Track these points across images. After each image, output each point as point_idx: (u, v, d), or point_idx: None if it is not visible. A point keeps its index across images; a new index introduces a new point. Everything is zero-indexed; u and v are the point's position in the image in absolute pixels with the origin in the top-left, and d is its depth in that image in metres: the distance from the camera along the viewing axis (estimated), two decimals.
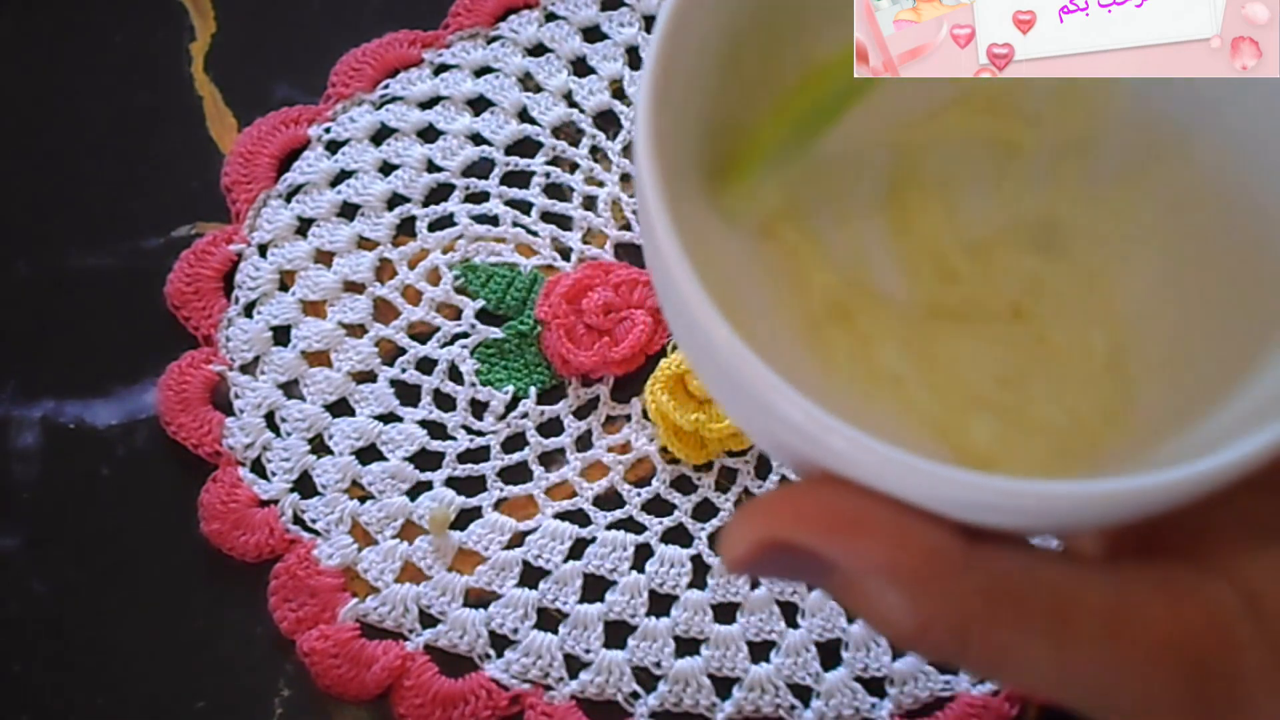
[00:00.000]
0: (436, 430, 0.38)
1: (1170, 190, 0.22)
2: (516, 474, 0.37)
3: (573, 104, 0.42)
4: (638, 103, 0.18)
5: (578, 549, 0.36)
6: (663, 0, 0.19)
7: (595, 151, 0.41)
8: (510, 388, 0.38)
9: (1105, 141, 0.22)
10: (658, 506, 0.37)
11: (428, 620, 0.36)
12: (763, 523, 0.17)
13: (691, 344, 0.17)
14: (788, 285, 0.21)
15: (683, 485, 0.37)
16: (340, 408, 0.38)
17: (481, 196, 0.41)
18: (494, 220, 0.40)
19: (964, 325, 0.22)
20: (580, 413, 0.38)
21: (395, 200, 0.41)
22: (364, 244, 0.40)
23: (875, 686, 0.35)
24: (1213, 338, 0.20)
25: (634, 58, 0.43)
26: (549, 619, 0.36)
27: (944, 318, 0.22)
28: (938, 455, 0.18)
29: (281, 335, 0.39)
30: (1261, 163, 0.20)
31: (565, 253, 0.40)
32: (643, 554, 0.36)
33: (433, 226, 0.40)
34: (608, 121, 0.42)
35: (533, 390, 0.38)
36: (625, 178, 0.41)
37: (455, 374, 0.38)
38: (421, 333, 0.39)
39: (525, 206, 0.40)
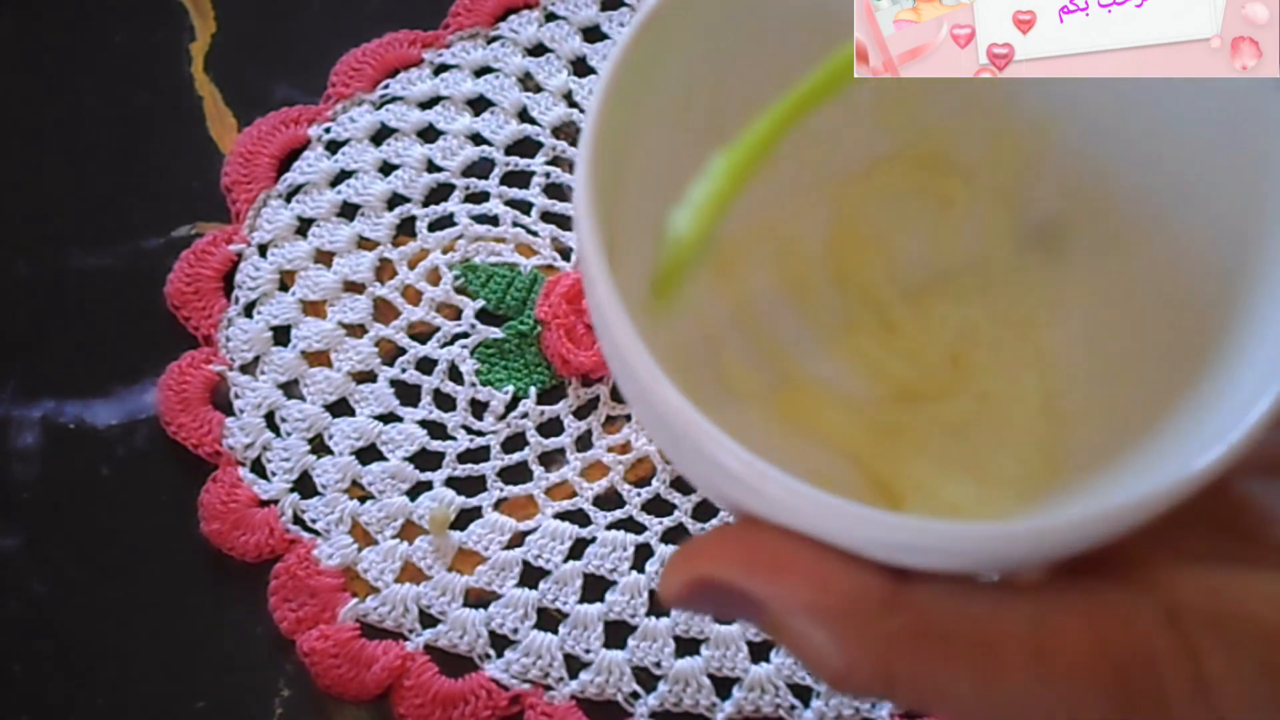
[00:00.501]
0: (436, 430, 0.38)
1: (1096, 238, 0.23)
2: (516, 474, 0.37)
3: (573, 104, 0.42)
4: (578, 180, 0.18)
5: (578, 549, 0.36)
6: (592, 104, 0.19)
7: None
8: (510, 388, 0.38)
9: (1035, 193, 0.23)
10: (658, 506, 0.37)
11: (428, 620, 0.36)
12: (694, 562, 0.17)
13: (629, 391, 0.18)
14: (729, 346, 0.22)
15: (683, 485, 0.37)
16: (340, 408, 0.38)
17: (481, 196, 0.41)
18: (494, 220, 0.40)
19: (910, 373, 0.23)
20: (580, 413, 0.38)
21: (395, 200, 0.41)
22: (364, 244, 0.40)
23: None
24: (1135, 379, 0.21)
25: None
26: (549, 619, 0.36)
27: (890, 376, 0.23)
28: (880, 504, 0.19)
29: (281, 335, 0.39)
30: (1184, 214, 0.21)
31: (565, 253, 0.40)
32: (643, 554, 0.36)
33: (433, 226, 0.40)
34: None
35: (533, 390, 0.38)
36: None
37: (455, 374, 0.38)
38: (421, 333, 0.39)
39: (525, 206, 0.40)
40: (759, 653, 0.35)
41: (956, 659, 0.17)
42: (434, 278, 0.39)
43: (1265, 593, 0.17)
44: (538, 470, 0.37)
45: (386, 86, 0.42)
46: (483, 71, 0.42)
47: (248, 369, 0.38)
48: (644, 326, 0.17)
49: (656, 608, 0.35)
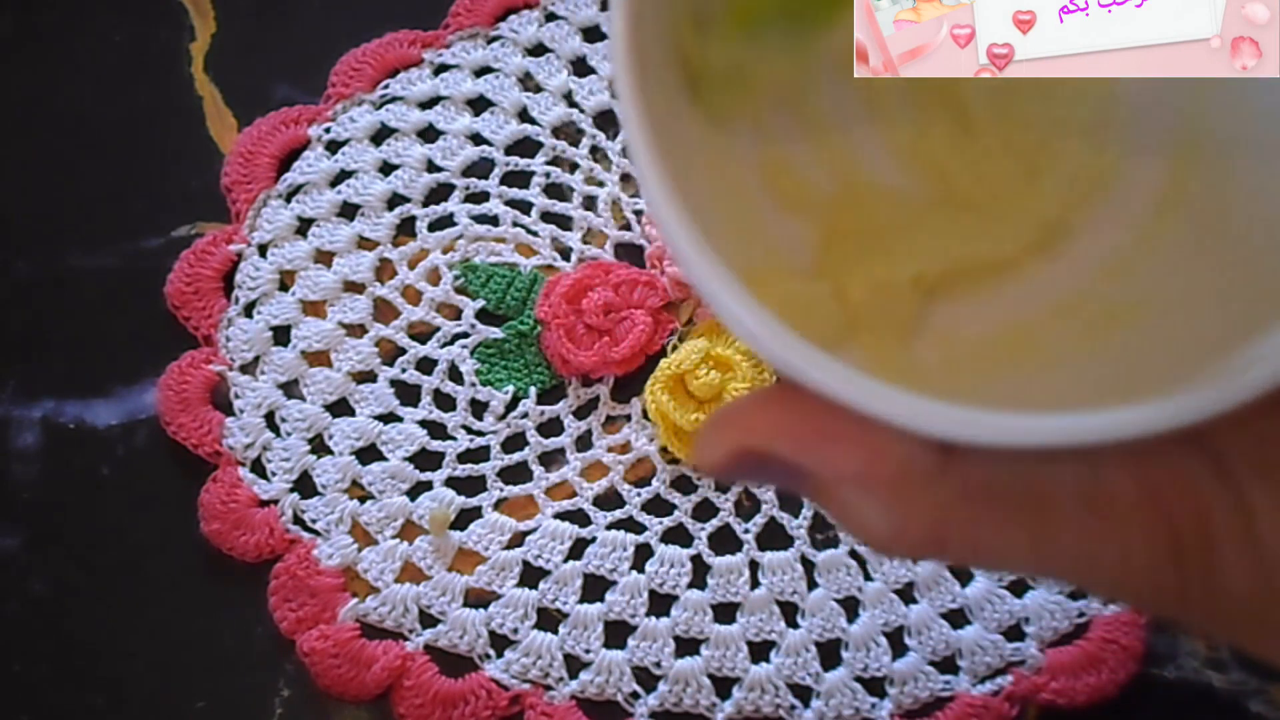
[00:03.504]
0: (436, 430, 0.38)
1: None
2: (516, 474, 0.37)
3: (573, 104, 0.42)
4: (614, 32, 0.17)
5: (578, 549, 0.36)
6: None
7: (595, 151, 0.41)
8: (510, 388, 0.38)
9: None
10: (658, 506, 0.37)
11: (428, 620, 0.36)
12: (738, 431, 0.17)
13: (689, 276, 0.17)
14: (780, 196, 0.21)
15: (683, 485, 0.37)
16: (340, 408, 0.38)
17: (481, 196, 0.41)
18: (494, 220, 0.40)
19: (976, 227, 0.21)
20: (580, 413, 0.38)
21: (395, 200, 0.41)
22: (364, 244, 0.40)
23: (875, 686, 0.35)
24: (1212, 284, 0.19)
25: None
26: (549, 619, 0.36)
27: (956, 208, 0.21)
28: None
29: (281, 335, 0.39)
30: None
31: (565, 253, 0.40)
32: (643, 554, 0.36)
33: (433, 226, 0.40)
34: (608, 121, 0.42)
35: (533, 390, 0.38)
36: (625, 177, 0.41)
37: (455, 374, 0.38)
38: (421, 333, 0.39)
39: (525, 206, 0.40)
40: (759, 653, 0.35)
41: (1008, 518, 0.17)
42: (434, 278, 0.39)
43: None
44: (538, 470, 0.37)
45: (386, 86, 0.42)
46: (483, 71, 0.42)
47: (248, 369, 0.38)
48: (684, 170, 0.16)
49: (657, 608, 0.36)
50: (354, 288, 0.39)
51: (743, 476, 0.18)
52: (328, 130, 0.41)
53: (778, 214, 0.21)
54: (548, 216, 0.40)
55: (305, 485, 0.37)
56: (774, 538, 0.36)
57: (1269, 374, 0.15)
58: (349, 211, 0.40)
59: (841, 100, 0.22)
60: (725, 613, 0.36)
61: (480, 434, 0.38)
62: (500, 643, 0.35)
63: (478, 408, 0.38)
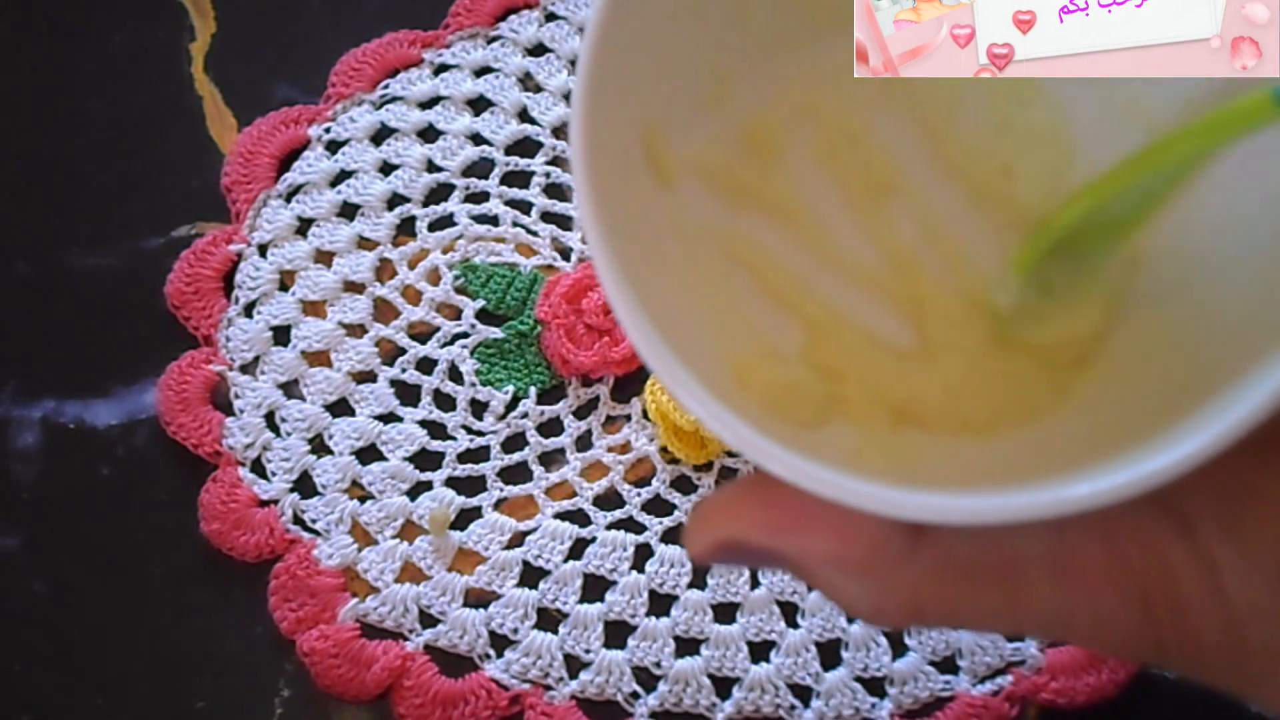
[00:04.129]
0: (436, 430, 0.38)
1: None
2: (516, 474, 0.37)
3: None
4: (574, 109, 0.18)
5: (578, 549, 0.36)
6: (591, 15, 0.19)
7: None
8: (510, 388, 0.38)
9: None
10: (658, 506, 0.37)
11: (428, 620, 0.36)
12: (717, 524, 0.18)
13: (639, 349, 0.18)
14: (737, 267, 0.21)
15: (683, 485, 0.37)
16: (340, 408, 0.38)
17: (481, 196, 0.41)
18: (494, 220, 0.40)
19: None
20: (580, 413, 0.38)
21: (395, 200, 0.40)
22: (364, 244, 0.40)
23: (875, 686, 0.35)
24: (1161, 358, 0.20)
25: None
26: (549, 619, 0.36)
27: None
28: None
29: (281, 335, 0.39)
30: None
31: (565, 253, 0.40)
32: (643, 554, 0.36)
33: (433, 226, 0.40)
34: None
35: (533, 390, 0.38)
36: None
37: (455, 374, 0.38)
38: (421, 333, 0.39)
39: (525, 206, 0.40)
40: (759, 653, 0.35)
41: (981, 587, 0.17)
42: (434, 278, 0.39)
43: (1277, 489, 0.17)
44: (538, 470, 0.37)
45: (386, 86, 0.42)
46: (483, 71, 0.42)
47: (248, 369, 0.38)
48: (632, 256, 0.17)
49: (657, 608, 0.36)
50: (354, 288, 0.39)
51: (728, 563, 0.19)
52: (328, 130, 0.41)
53: (760, 300, 0.21)
54: (548, 216, 0.40)
55: (305, 485, 0.37)
56: None
57: (1227, 428, 0.16)
58: (349, 211, 0.40)
59: (813, 186, 0.22)
60: (725, 613, 0.36)
61: (480, 434, 0.38)
62: (500, 643, 0.35)
63: (478, 408, 0.38)
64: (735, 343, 0.20)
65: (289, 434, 0.37)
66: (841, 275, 0.22)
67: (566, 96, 0.42)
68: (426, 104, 0.42)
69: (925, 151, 0.22)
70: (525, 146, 0.41)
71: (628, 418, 0.38)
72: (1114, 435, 0.18)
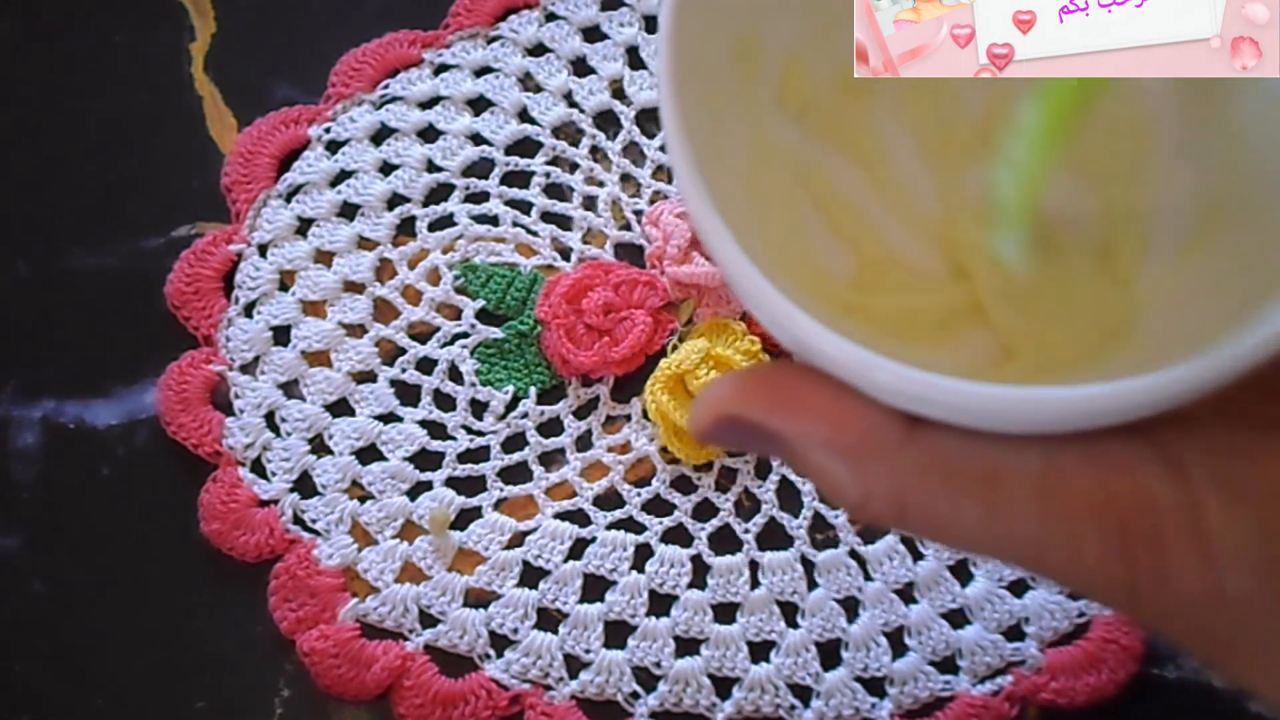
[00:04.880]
0: (436, 430, 0.38)
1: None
2: (516, 474, 0.37)
3: (573, 104, 0.42)
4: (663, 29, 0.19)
5: (578, 549, 0.36)
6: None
7: (595, 151, 0.41)
8: (510, 388, 0.38)
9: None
10: (658, 506, 0.37)
11: (428, 620, 0.36)
12: (720, 399, 0.19)
13: (691, 218, 0.18)
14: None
15: (683, 485, 0.37)
16: (340, 408, 0.38)
17: (481, 196, 0.41)
18: (494, 220, 0.40)
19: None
20: (580, 413, 0.38)
21: (395, 200, 0.41)
22: (364, 244, 0.40)
23: (875, 686, 0.35)
24: (1207, 281, 0.20)
25: (634, 58, 0.43)
26: (549, 619, 0.36)
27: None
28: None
29: (281, 335, 0.39)
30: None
31: (565, 253, 0.40)
32: (643, 554, 0.36)
33: (433, 226, 0.40)
34: (608, 121, 0.42)
35: (533, 390, 0.38)
36: (625, 178, 0.41)
37: (455, 374, 0.38)
38: (421, 333, 0.39)
39: (525, 206, 0.40)
40: (759, 653, 0.35)
41: (965, 492, 0.17)
42: (434, 278, 0.39)
43: (1274, 453, 0.17)
44: (538, 470, 0.37)
45: (386, 86, 0.42)
46: (483, 71, 0.42)
47: (248, 369, 0.38)
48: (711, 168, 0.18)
49: (657, 607, 0.36)
50: (354, 288, 0.39)
51: (727, 441, 0.19)
52: (328, 130, 0.41)
53: (820, 227, 0.22)
54: (548, 216, 0.40)
55: (305, 485, 0.37)
56: (774, 538, 0.36)
57: (1237, 356, 0.16)
58: (349, 211, 0.40)
59: (897, 136, 0.22)
60: (725, 613, 0.36)
61: (480, 434, 0.38)
62: (500, 643, 0.35)
63: (478, 408, 0.38)
64: (789, 258, 0.20)
65: (289, 434, 0.37)
66: (903, 221, 0.22)
67: (567, 96, 0.42)
68: (426, 104, 0.42)
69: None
70: (525, 146, 0.41)
71: (628, 418, 0.38)
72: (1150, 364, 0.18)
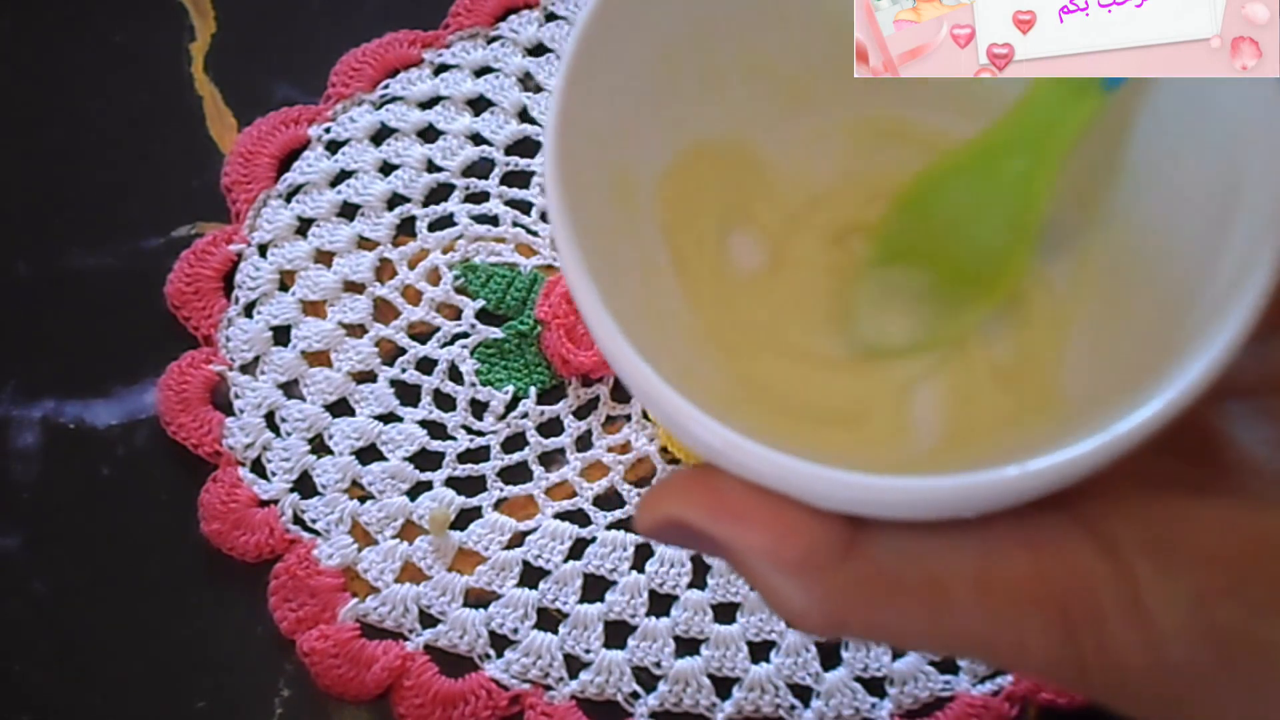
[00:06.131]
0: (436, 430, 0.38)
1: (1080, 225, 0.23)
2: (516, 474, 0.37)
3: None
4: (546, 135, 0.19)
5: (578, 549, 0.36)
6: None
7: None
8: (510, 388, 0.38)
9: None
10: None
11: (428, 620, 0.36)
12: (665, 501, 0.18)
13: (597, 338, 0.19)
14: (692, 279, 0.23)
15: None
16: (340, 408, 0.38)
17: (481, 196, 0.41)
18: (494, 220, 0.40)
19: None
20: (580, 413, 0.38)
21: (395, 200, 0.41)
22: (364, 244, 0.40)
23: (875, 686, 0.35)
24: (1102, 340, 0.21)
25: None
26: (549, 619, 0.36)
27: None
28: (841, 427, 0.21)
29: (281, 335, 0.39)
30: (1162, 204, 0.21)
31: None
32: (643, 554, 0.36)
33: (433, 226, 0.40)
34: None
35: (533, 390, 0.38)
36: None
37: (455, 374, 0.38)
38: (421, 333, 0.39)
39: (525, 206, 0.40)
40: (759, 653, 0.35)
41: (906, 600, 0.17)
42: (434, 278, 0.39)
43: (1205, 518, 0.17)
44: (538, 470, 0.37)
45: (386, 86, 0.42)
46: (483, 71, 0.42)
47: (248, 369, 0.38)
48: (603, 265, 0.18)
49: (657, 608, 0.36)
50: (354, 288, 0.39)
51: (669, 541, 0.19)
52: (328, 130, 0.41)
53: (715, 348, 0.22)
54: (548, 216, 0.40)
55: (305, 485, 0.37)
56: None
57: (1142, 422, 0.16)
58: (349, 211, 0.40)
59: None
60: (725, 613, 0.36)
61: (480, 434, 0.38)
62: (500, 643, 0.35)
63: (478, 408, 0.38)
64: (688, 371, 0.21)
65: (289, 434, 0.37)
66: (798, 321, 0.23)
67: None
68: (426, 104, 0.42)
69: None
70: (525, 146, 0.41)
71: (628, 418, 0.38)
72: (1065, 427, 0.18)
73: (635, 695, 0.35)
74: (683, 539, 0.19)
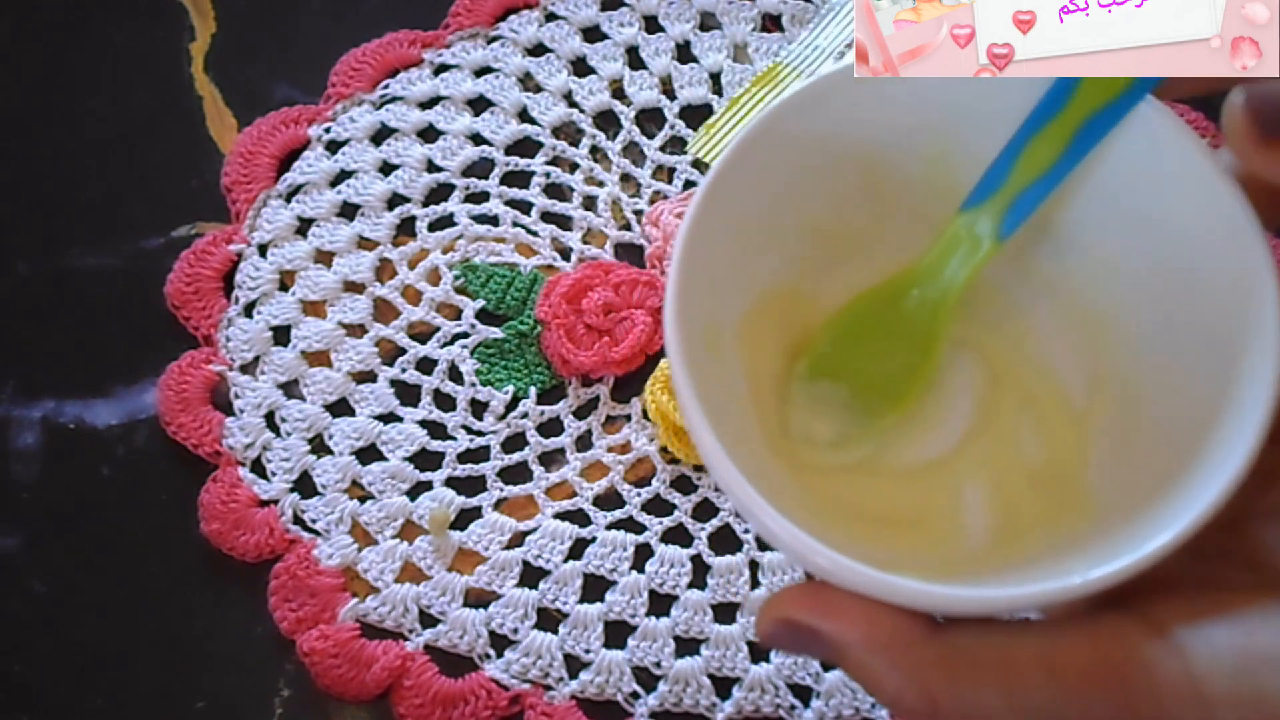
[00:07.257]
0: (436, 430, 0.38)
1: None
2: (516, 474, 0.37)
3: (573, 104, 0.42)
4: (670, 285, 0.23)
5: (578, 549, 0.36)
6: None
7: (595, 151, 0.41)
8: (510, 388, 0.38)
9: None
10: (658, 506, 0.37)
11: (428, 620, 0.36)
12: (778, 607, 0.22)
13: (712, 472, 0.22)
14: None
15: (683, 485, 0.37)
16: (340, 408, 0.38)
17: (481, 196, 0.41)
18: (494, 220, 0.40)
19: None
20: (580, 413, 0.38)
21: (395, 200, 0.41)
22: (364, 244, 0.40)
23: None
24: (1138, 453, 0.24)
25: (634, 58, 0.43)
26: (549, 619, 0.36)
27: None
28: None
29: (281, 335, 0.39)
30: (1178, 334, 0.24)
31: (565, 253, 0.40)
32: (643, 554, 0.36)
33: (433, 226, 0.40)
34: (608, 121, 0.42)
35: (533, 390, 0.38)
36: (625, 178, 0.41)
37: (455, 374, 0.38)
38: (421, 333, 0.39)
39: (525, 206, 0.40)
40: (759, 653, 0.35)
41: (983, 677, 0.20)
42: (434, 278, 0.39)
43: (1245, 613, 0.20)
44: (538, 470, 0.37)
45: (386, 86, 0.42)
46: (483, 71, 0.43)
47: (248, 369, 0.38)
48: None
49: (657, 608, 0.36)
50: (354, 288, 0.39)
51: (785, 644, 0.23)
52: (328, 130, 0.41)
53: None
54: (548, 216, 0.40)
55: (305, 485, 0.37)
56: None
57: (1172, 537, 0.20)
58: (349, 211, 0.40)
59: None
60: (725, 613, 0.36)
61: (480, 434, 0.38)
62: (500, 643, 0.35)
63: (478, 408, 0.38)
64: (790, 498, 0.24)
65: (289, 434, 0.37)
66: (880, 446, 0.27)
67: (567, 96, 0.42)
68: (426, 104, 0.42)
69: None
70: (525, 146, 0.41)
71: (628, 418, 0.38)
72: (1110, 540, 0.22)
73: (635, 695, 0.35)
74: (793, 637, 0.22)
